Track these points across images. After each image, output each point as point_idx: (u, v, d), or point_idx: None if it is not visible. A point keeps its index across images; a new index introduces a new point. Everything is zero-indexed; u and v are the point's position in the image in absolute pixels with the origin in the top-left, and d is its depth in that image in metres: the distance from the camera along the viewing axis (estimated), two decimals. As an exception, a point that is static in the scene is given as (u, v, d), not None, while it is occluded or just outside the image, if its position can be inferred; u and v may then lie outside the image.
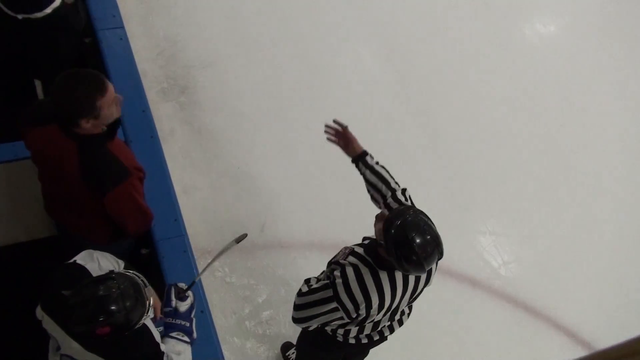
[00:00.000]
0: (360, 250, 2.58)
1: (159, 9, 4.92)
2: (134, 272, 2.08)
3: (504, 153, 4.91)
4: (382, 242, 2.34)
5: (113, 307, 1.91)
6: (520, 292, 4.28)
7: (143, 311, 2.00)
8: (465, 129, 4.94)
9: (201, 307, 2.75)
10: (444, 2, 5.67)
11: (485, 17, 5.69)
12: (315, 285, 2.58)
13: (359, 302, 2.44)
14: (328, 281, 2.51)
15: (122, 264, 2.37)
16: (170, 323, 2.40)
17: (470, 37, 5.51)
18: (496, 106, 5.16)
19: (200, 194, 4.16)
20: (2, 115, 3.31)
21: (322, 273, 2.79)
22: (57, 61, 3.15)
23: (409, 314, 2.85)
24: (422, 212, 2.42)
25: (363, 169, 2.73)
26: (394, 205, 2.56)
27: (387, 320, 2.69)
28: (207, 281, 3.61)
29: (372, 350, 2.99)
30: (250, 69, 4.81)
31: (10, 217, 3.25)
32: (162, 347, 2.23)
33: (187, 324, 2.42)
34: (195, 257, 3.03)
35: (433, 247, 2.30)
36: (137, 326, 2.00)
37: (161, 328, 2.36)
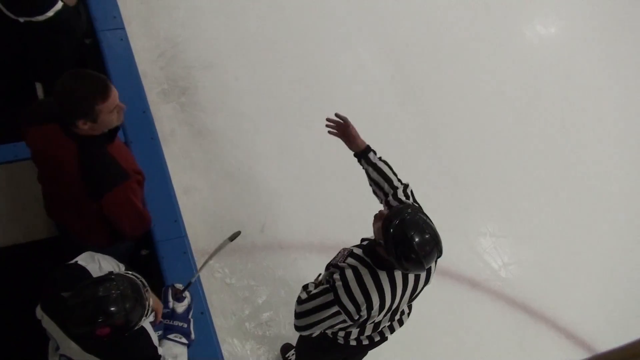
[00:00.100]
0: (358, 251, 2.57)
1: (160, 10, 4.92)
2: (134, 274, 2.08)
3: (504, 154, 4.91)
4: (381, 241, 2.33)
5: (112, 308, 1.91)
6: (520, 293, 4.28)
7: (142, 312, 1.99)
8: (465, 129, 4.94)
9: (201, 308, 2.75)
10: (444, 3, 5.67)
11: (485, 18, 5.69)
12: (314, 291, 2.56)
13: (360, 303, 2.44)
14: (328, 285, 2.51)
15: (122, 267, 2.37)
16: (168, 325, 2.40)
17: (471, 38, 5.51)
18: (496, 107, 5.16)
19: (200, 195, 4.16)
20: (3, 116, 3.31)
21: (318, 276, 2.79)
22: (58, 64, 3.15)
23: (409, 314, 2.85)
24: (420, 210, 2.42)
25: (365, 165, 2.73)
26: (394, 204, 2.56)
27: (387, 320, 2.69)
28: (207, 282, 3.61)
29: (372, 351, 2.99)
30: (251, 69, 4.81)
31: (11, 218, 3.25)
32: (160, 350, 2.22)
33: (185, 325, 2.42)
34: (195, 258, 3.03)
35: (432, 246, 2.29)
36: (137, 327, 2.00)
37: (160, 332, 2.36)
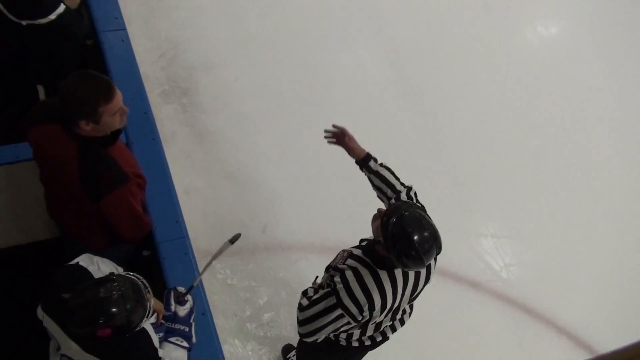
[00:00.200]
0: (358, 252, 2.57)
1: (161, 11, 4.93)
2: (135, 274, 2.08)
3: (504, 154, 4.91)
4: (381, 239, 2.33)
5: (114, 309, 1.91)
6: (521, 294, 4.28)
7: (144, 313, 1.99)
8: (465, 130, 4.95)
9: (202, 309, 2.75)
10: (445, 4, 5.68)
11: (486, 19, 5.70)
12: (315, 296, 2.56)
13: (362, 304, 2.43)
14: (329, 289, 2.50)
15: (121, 270, 2.35)
16: (169, 327, 2.40)
17: (471, 38, 5.51)
18: (497, 107, 5.16)
19: (201, 196, 4.16)
20: (4, 117, 3.31)
21: (315, 279, 2.79)
22: (60, 66, 3.15)
23: (410, 314, 2.85)
24: (418, 207, 2.42)
25: (367, 173, 2.76)
26: None
27: (389, 320, 2.69)
28: (208, 283, 3.61)
29: (372, 351, 2.98)
30: (251, 70, 4.82)
31: (11, 219, 3.25)
32: (160, 352, 2.22)
33: (186, 329, 2.42)
34: (197, 259, 3.03)
35: (432, 242, 2.30)
36: (138, 328, 2.00)
37: (161, 334, 2.36)
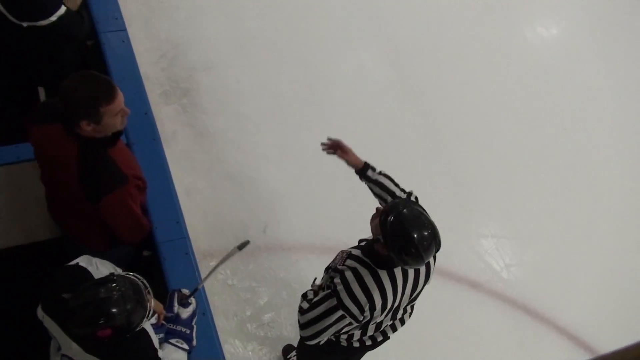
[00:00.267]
0: (357, 252, 2.57)
1: (161, 12, 4.93)
2: (135, 275, 2.08)
3: (504, 154, 4.92)
4: (380, 237, 2.33)
5: (114, 310, 1.91)
6: (521, 294, 4.28)
7: (144, 314, 1.99)
8: (466, 130, 4.95)
9: (203, 309, 2.75)
10: (446, 5, 5.68)
11: (486, 20, 5.70)
12: (316, 299, 2.56)
13: (363, 304, 2.44)
14: (329, 291, 2.51)
15: (120, 271, 2.36)
16: (171, 329, 2.40)
17: (472, 39, 5.51)
18: (497, 107, 5.16)
19: (202, 196, 4.16)
20: (5, 118, 3.32)
21: (314, 281, 2.79)
22: (60, 68, 3.15)
23: (410, 314, 2.85)
24: (416, 203, 2.42)
25: (367, 182, 2.78)
26: None
27: (389, 319, 2.69)
28: (209, 283, 3.60)
29: (372, 351, 2.98)
30: (252, 71, 4.82)
31: (12, 219, 3.25)
32: (160, 353, 2.22)
33: (188, 331, 2.42)
34: (197, 259, 3.03)
35: (431, 238, 2.30)
36: (138, 328, 2.00)
37: (161, 335, 2.36)
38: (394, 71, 5.16)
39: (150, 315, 2.04)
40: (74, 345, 2.05)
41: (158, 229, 2.94)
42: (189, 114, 4.50)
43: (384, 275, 2.46)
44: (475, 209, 4.62)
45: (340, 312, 2.46)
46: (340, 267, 2.53)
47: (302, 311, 2.61)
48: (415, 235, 2.26)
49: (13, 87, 3.43)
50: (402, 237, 2.27)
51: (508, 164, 4.87)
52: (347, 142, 4.51)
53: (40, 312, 2.13)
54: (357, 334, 2.70)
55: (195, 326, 2.46)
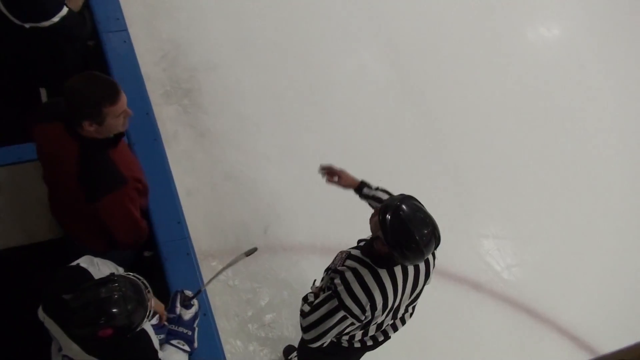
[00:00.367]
0: (356, 252, 2.58)
1: (163, 12, 4.93)
2: (135, 275, 2.08)
3: (505, 155, 4.91)
4: (380, 233, 2.33)
5: (114, 310, 1.91)
6: (522, 295, 4.28)
7: (144, 314, 2.00)
8: (466, 130, 4.94)
9: (204, 309, 2.75)
10: (447, 5, 5.67)
11: (488, 21, 5.69)
12: (317, 301, 2.57)
13: (364, 303, 2.44)
14: (330, 292, 2.50)
15: (121, 270, 2.36)
16: (172, 330, 2.40)
17: (472, 39, 5.50)
18: (498, 108, 5.16)
19: (203, 197, 4.16)
20: (6, 119, 3.32)
21: (314, 283, 2.79)
22: (62, 69, 3.15)
23: (411, 314, 2.85)
24: (413, 198, 2.41)
25: (365, 199, 2.81)
26: None
27: (390, 319, 2.69)
28: (210, 284, 3.61)
29: (373, 351, 2.98)
30: (253, 71, 4.82)
31: (14, 220, 3.25)
32: (161, 354, 2.22)
33: (189, 333, 2.42)
34: (199, 259, 3.03)
35: (430, 232, 2.30)
36: (138, 329, 2.00)
37: (162, 336, 2.36)
38: (394, 71, 5.15)
39: (150, 315, 2.04)
40: (75, 346, 2.06)
41: (159, 229, 2.95)
42: (190, 114, 4.51)
43: (384, 274, 2.46)
44: (476, 210, 4.61)
45: (342, 313, 2.46)
46: (340, 268, 2.54)
47: (303, 314, 2.61)
48: (415, 230, 2.26)
49: (14, 87, 3.44)
50: (401, 233, 2.27)
51: (508, 164, 4.87)
52: (348, 142, 4.54)
53: (41, 313, 2.13)
54: (358, 334, 2.70)
55: (197, 328, 2.46)
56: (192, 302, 2.47)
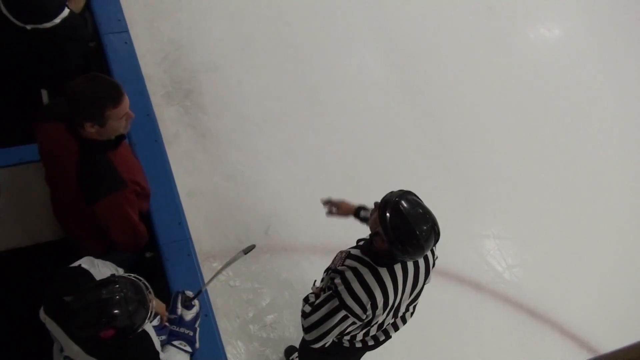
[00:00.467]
0: (356, 251, 2.58)
1: (164, 13, 4.93)
2: (136, 276, 2.09)
3: (506, 156, 4.92)
4: (379, 229, 2.33)
5: (116, 311, 1.92)
6: (524, 295, 4.28)
7: (146, 314, 2.00)
8: (468, 131, 4.95)
9: (205, 310, 2.75)
10: (448, 7, 5.68)
11: (489, 22, 5.70)
12: (317, 301, 2.57)
13: (365, 302, 2.44)
14: (331, 292, 2.51)
15: (121, 271, 2.36)
16: (174, 331, 2.40)
17: (475, 41, 5.51)
18: (499, 108, 5.16)
19: (204, 198, 4.16)
20: (8, 120, 3.32)
21: (314, 283, 2.79)
22: (64, 70, 3.15)
23: (412, 313, 2.85)
24: (412, 193, 2.42)
25: (363, 223, 2.82)
26: None
27: (391, 318, 2.70)
28: (212, 285, 3.60)
29: (374, 351, 2.99)
30: (254, 72, 4.82)
31: (15, 221, 3.25)
32: (162, 355, 2.22)
33: (191, 333, 2.42)
34: (200, 260, 3.03)
35: (430, 228, 2.30)
36: (140, 330, 2.01)
37: (164, 337, 2.36)
38: (396, 72, 5.16)
39: (152, 316, 2.04)
40: (76, 347, 2.06)
41: (160, 230, 2.95)
42: (192, 115, 4.51)
43: (384, 272, 2.46)
44: (477, 210, 4.62)
45: (343, 313, 2.46)
46: (340, 268, 2.54)
47: (304, 315, 2.61)
48: (415, 225, 2.27)
49: (16, 89, 3.44)
50: (401, 228, 2.27)
51: (509, 165, 4.87)
52: (349, 142, 4.54)
53: (42, 315, 2.14)
54: (359, 335, 2.70)
55: (198, 328, 2.46)
56: (193, 303, 2.47)
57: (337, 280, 2.48)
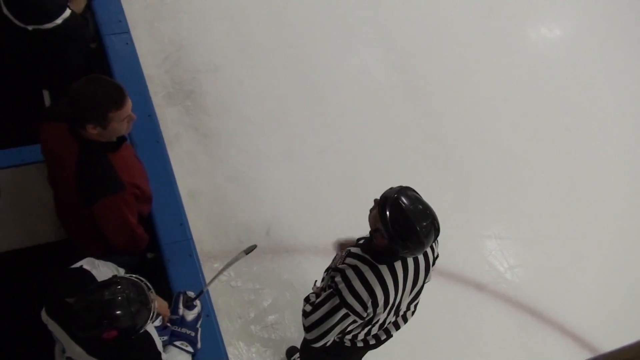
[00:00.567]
0: (356, 250, 2.58)
1: (165, 14, 4.94)
2: (138, 277, 2.09)
3: (508, 156, 4.92)
4: (379, 226, 2.33)
5: (118, 312, 1.92)
6: (525, 296, 4.28)
7: (148, 315, 2.00)
8: (469, 131, 4.95)
9: (207, 311, 2.75)
10: (449, 6, 5.68)
11: (489, 22, 5.70)
12: (318, 300, 2.57)
13: (365, 300, 2.44)
14: (331, 290, 2.51)
15: (122, 271, 2.36)
16: (176, 331, 2.40)
17: (475, 41, 5.51)
18: (500, 109, 5.16)
19: (205, 198, 4.17)
20: (9, 122, 3.33)
21: (315, 283, 2.80)
22: (65, 72, 3.15)
23: (413, 312, 2.85)
24: (411, 189, 2.42)
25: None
26: None
27: (392, 317, 2.70)
28: (213, 285, 3.60)
29: (376, 350, 2.99)
30: (255, 73, 4.83)
31: (16, 222, 3.25)
32: (164, 355, 2.22)
33: (193, 334, 2.42)
34: (201, 261, 3.04)
35: (430, 224, 2.30)
36: (142, 331, 2.01)
37: (166, 337, 2.36)
38: (396, 72, 5.16)
39: (154, 316, 2.04)
40: (78, 348, 2.06)
41: (162, 230, 2.95)
42: (193, 116, 4.51)
43: (384, 270, 2.46)
44: (479, 210, 4.62)
45: (343, 311, 2.46)
46: (340, 266, 2.54)
47: (305, 314, 2.61)
48: (415, 221, 2.26)
49: (17, 90, 3.44)
50: (402, 224, 2.27)
51: (511, 165, 4.87)
52: (350, 142, 4.55)
53: (44, 316, 2.14)
54: (361, 334, 2.70)
55: (200, 329, 2.47)
56: (194, 303, 2.47)
57: (338, 279, 2.48)
